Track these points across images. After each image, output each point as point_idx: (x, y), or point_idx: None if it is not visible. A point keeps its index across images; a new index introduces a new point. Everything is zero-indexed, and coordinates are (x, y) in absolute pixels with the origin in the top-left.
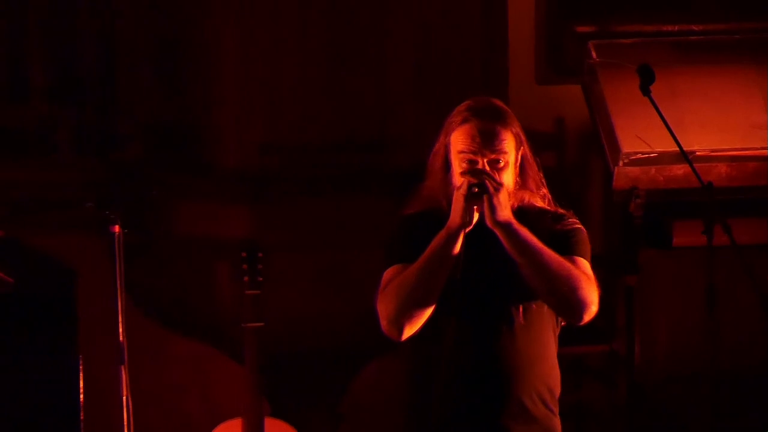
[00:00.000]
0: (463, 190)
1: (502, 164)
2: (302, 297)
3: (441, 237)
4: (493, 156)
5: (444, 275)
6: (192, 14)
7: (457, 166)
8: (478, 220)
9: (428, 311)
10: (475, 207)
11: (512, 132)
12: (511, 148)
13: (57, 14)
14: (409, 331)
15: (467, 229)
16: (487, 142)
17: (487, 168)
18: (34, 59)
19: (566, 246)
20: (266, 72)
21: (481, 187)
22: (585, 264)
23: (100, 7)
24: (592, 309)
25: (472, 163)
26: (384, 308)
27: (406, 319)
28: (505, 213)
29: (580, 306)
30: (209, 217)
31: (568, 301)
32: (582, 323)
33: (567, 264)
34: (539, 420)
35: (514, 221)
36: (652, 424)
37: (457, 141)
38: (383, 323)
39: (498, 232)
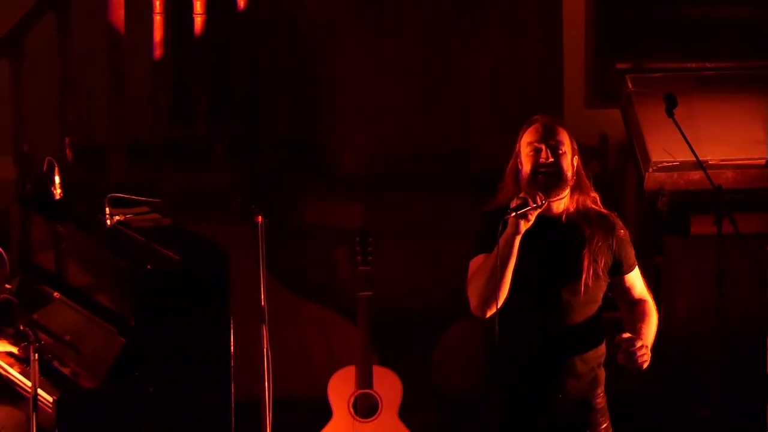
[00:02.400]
0: (511, 207)
1: (561, 151)
2: (402, 273)
3: (502, 241)
4: (553, 143)
5: (509, 269)
6: (318, 52)
7: (525, 156)
8: (530, 226)
9: (503, 296)
10: (525, 218)
11: (568, 134)
12: (568, 143)
13: (214, 51)
14: (490, 312)
15: (519, 237)
16: (548, 133)
17: (550, 155)
18: (196, 88)
19: (623, 261)
20: (374, 97)
21: (522, 206)
22: (638, 278)
23: (248, 46)
24: None
25: (537, 150)
26: (471, 297)
27: (487, 306)
28: (647, 363)
29: None
30: (330, 211)
31: None
32: None
33: (653, 322)
34: (586, 374)
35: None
36: (674, 373)
37: (526, 138)
38: (471, 308)
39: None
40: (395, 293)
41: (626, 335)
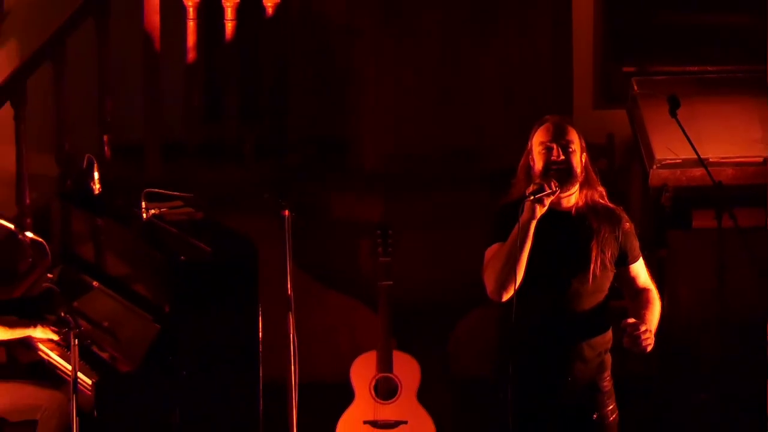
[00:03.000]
0: (527, 193)
1: (571, 149)
2: (420, 263)
3: (517, 227)
4: (563, 142)
5: (524, 254)
6: (342, 56)
7: (537, 154)
8: (544, 213)
9: (518, 280)
10: (541, 203)
11: (577, 133)
12: (577, 141)
13: (244, 54)
14: (506, 296)
15: (534, 222)
16: (559, 133)
17: (561, 152)
18: (227, 90)
19: (628, 252)
20: (394, 99)
21: (539, 192)
22: (642, 268)
23: (276, 50)
24: None
25: (548, 149)
26: (487, 282)
27: (503, 289)
28: (651, 347)
29: None
30: (353, 206)
31: None
32: None
33: (657, 309)
34: (593, 359)
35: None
36: (676, 359)
37: (537, 137)
38: (488, 292)
39: None
40: (414, 283)
41: (631, 320)
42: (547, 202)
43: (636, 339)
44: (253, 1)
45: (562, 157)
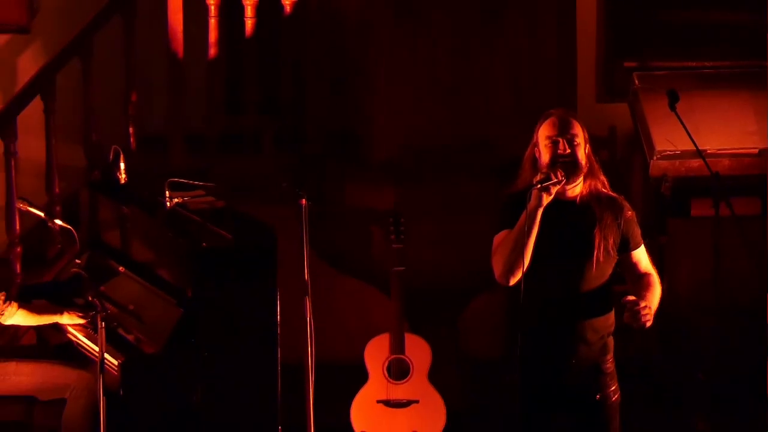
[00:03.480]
0: (534, 182)
1: (576, 142)
2: (431, 250)
3: (524, 215)
4: (568, 136)
5: (531, 239)
6: (356, 52)
7: (543, 147)
8: (550, 201)
9: (524, 265)
10: (547, 191)
11: (581, 126)
12: (581, 134)
13: (263, 50)
14: (513, 280)
15: (541, 209)
16: (564, 127)
17: (567, 146)
18: (247, 84)
19: (630, 239)
20: (406, 95)
21: (546, 180)
22: (644, 254)
23: (294, 46)
24: None
25: (555, 143)
26: (495, 267)
27: (511, 274)
28: (650, 323)
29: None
30: (367, 195)
31: None
32: None
33: (657, 292)
34: (596, 342)
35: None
36: (675, 341)
37: (543, 130)
38: (496, 276)
39: None
40: (425, 268)
41: (631, 297)
42: (554, 190)
43: (636, 314)
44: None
45: (568, 151)
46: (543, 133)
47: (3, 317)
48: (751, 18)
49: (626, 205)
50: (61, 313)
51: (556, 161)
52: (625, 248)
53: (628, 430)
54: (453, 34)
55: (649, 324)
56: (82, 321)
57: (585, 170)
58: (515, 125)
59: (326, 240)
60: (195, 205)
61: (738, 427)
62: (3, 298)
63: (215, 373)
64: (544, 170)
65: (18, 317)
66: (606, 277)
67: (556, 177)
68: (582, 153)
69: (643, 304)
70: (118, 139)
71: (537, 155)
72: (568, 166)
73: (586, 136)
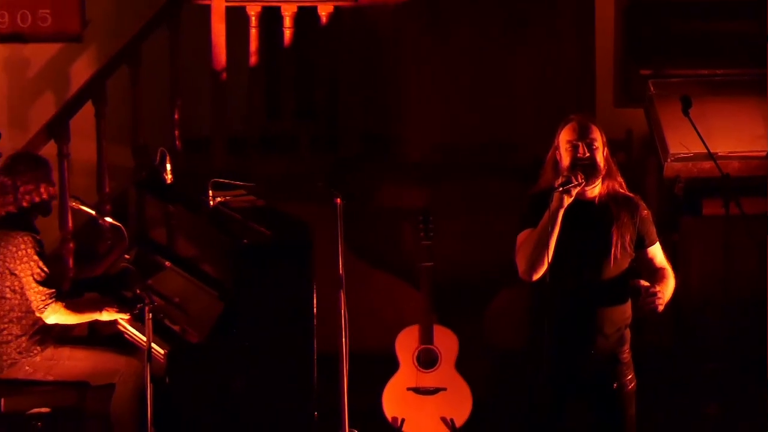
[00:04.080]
0: (556, 185)
1: (595, 146)
2: (459, 247)
3: (546, 214)
4: (588, 141)
5: (553, 238)
6: (388, 60)
7: (564, 151)
8: (571, 202)
9: (546, 262)
10: (568, 194)
11: (600, 130)
12: (600, 138)
13: (301, 58)
14: (536, 276)
15: (562, 210)
16: (584, 131)
17: (586, 150)
18: (285, 90)
19: (646, 236)
20: (435, 100)
21: (567, 183)
22: (659, 250)
23: (329, 54)
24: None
25: (575, 147)
26: (519, 264)
27: (533, 270)
28: (662, 308)
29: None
30: (397, 194)
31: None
32: None
33: (670, 282)
34: (613, 334)
35: (664, 302)
36: (687, 333)
37: (564, 135)
38: (520, 273)
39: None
40: (453, 264)
41: (645, 282)
42: (574, 192)
43: (648, 297)
44: (309, 10)
45: (587, 154)
46: (564, 137)
47: (45, 314)
48: (760, 29)
49: (642, 204)
50: (101, 311)
51: (576, 164)
52: (641, 245)
53: (644, 416)
54: (479, 43)
55: (660, 309)
56: (124, 316)
57: (603, 173)
58: (537, 129)
59: (360, 237)
60: (236, 203)
61: (746, 412)
62: (52, 293)
63: (255, 362)
64: (565, 173)
65: (60, 316)
66: (623, 273)
67: (577, 180)
68: (600, 156)
69: (657, 289)
70: (164, 142)
71: (558, 158)
72: (587, 168)
73: (605, 140)
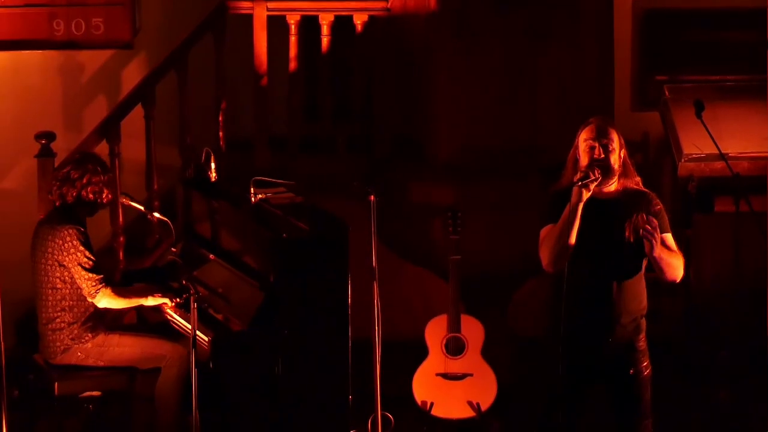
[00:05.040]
0: (575, 180)
1: (611, 148)
2: (485, 240)
3: (567, 209)
4: (605, 142)
5: (574, 231)
6: (419, 66)
7: (582, 150)
8: (588, 197)
9: (568, 255)
10: (587, 188)
11: (616, 131)
12: (617, 140)
13: (337, 64)
14: (558, 268)
15: (582, 204)
16: (601, 133)
17: (601, 151)
18: (323, 93)
19: (662, 225)
20: (463, 105)
21: (585, 178)
22: (671, 238)
23: (364, 60)
24: (680, 277)
25: (591, 148)
26: (543, 257)
27: (556, 262)
28: (658, 249)
29: (677, 279)
30: (428, 192)
31: (673, 280)
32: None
33: (675, 258)
34: (629, 323)
35: (660, 251)
36: (700, 322)
37: (583, 135)
38: (543, 265)
39: (651, 259)
40: (479, 257)
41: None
42: (592, 187)
43: (647, 224)
44: (346, 19)
45: (602, 156)
46: (582, 138)
47: (96, 299)
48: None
49: (655, 199)
50: (147, 297)
51: (593, 163)
52: None
53: (659, 401)
54: (505, 51)
55: (653, 246)
56: (168, 302)
57: (618, 172)
58: (560, 132)
59: (392, 232)
60: (277, 200)
61: (757, 397)
62: (101, 278)
63: (294, 349)
64: (583, 169)
65: (109, 300)
66: (638, 265)
67: (594, 175)
68: (615, 157)
69: (655, 228)
70: (209, 142)
71: (578, 156)
72: (602, 168)
73: (622, 142)
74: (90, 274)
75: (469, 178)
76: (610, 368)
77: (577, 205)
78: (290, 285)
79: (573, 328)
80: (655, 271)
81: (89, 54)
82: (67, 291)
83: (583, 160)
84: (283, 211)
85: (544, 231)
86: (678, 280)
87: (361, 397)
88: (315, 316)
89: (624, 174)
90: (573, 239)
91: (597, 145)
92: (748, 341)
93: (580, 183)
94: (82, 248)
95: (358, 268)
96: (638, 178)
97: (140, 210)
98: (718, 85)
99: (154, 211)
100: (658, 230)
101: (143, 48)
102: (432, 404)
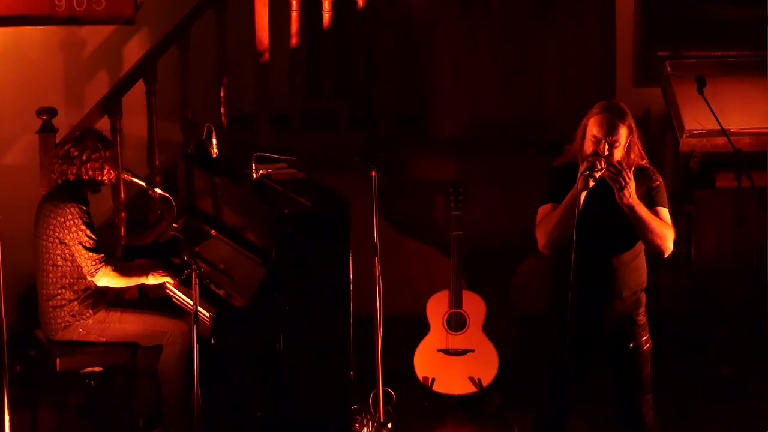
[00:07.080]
0: (581, 170)
1: (616, 146)
2: (486, 216)
3: (569, 196)
4: (611, 140)
5: (573, 218)
6: (421, 42)
7: (588, 141)
8: (593, 185)
9: (565, 238)
10: (590, 178)
11: (627, 125)
12: (623, 136)
13: (339, 40)
14: (553, 250)
15: (585, 193)
16: (609, 130)
17: (607, 147)
18: (324, 70)
19: (655, 199)
20: (466, 80)
21: (592, 169)
22: (665, 212)
23: (365, 37)
24: (669, 250)
25: (597, 143)
26: (539, 238)
27: (552, 244)
28: (630, 199)
29: (663, 250)
30: (429, 168)
31: (658, 247)
32: (664, 257)
33: (662, 226)
34: (629, 297)
35: (635, 204)
36: (702, 297)
37: (592, 126)
38: (539, 246)
39: (625, 209)
40: (481, 233)
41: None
42: (597, 175)
43: (612, 169)
44: None
45: (606, 153)
46: (591, 127)
47: (96, 277)
48: None
49: (655, 174)
50: (147, 275)
51: (586, 173)
52: (650, 205)
53: (660, 376)
54: (508, 26)
55: (615, 180)
56: (170, 280)
57: (623, 160)
58: (562, 107)
59: (394, 207)
60: (278, 176)
61: (757, 372)
62: (101, 258)
63: (295, 324)
64: (590, 159)
65: (110, 279)
66: (638, 242)
67: (600, 165)
68: (619, 153)
69: (621, 168)
70: (211, 118)
71: (584, 136)
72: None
73: (633, 126)
74: (90, 254)
75: (471, 154)
76: (610, 342)
77: (580, 193)
78: (292, 261)
79: (573, 303)
80: (639, 236)
81: (91, 30)
82: (68, 268)
83: (588, 149)
84: (285, 187)
85: (542, 210)
86: (666, 253)
87: (363, 374)
88: (316, 292)
89: (627, 157)
90: (572, 225)
91: (604, 140)
92: (748, 316)
93: (587, 172)
94: (83, 227)
95: (360, 243)
96: (646, 160)
97: (142, 186)
98: (720, 61)
99: (156, 187)
100: (627, 172)
101: (145, 24)
102: (433, 380)
